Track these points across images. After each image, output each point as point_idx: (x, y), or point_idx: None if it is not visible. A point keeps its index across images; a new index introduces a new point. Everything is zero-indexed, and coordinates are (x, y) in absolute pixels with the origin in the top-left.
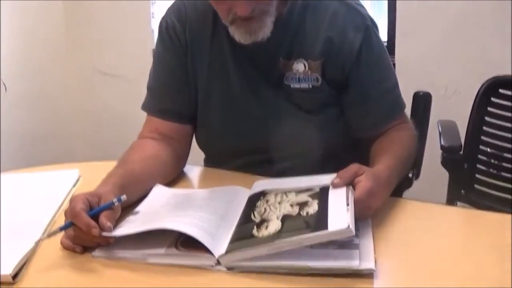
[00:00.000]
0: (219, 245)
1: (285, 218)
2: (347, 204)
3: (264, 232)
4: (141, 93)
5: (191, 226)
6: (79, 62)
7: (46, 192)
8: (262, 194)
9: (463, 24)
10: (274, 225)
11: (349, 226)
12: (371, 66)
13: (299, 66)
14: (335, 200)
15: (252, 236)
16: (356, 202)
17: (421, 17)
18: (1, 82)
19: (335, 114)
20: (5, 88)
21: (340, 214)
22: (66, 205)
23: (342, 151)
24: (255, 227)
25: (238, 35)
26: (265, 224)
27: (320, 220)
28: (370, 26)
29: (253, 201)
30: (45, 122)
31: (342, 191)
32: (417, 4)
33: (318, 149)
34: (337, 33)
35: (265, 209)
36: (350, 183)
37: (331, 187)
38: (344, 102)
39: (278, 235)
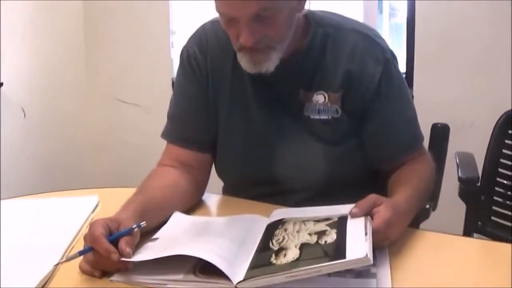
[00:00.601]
0: (237, 272)
1: (303, 247)
2: (365, 234)
3: (282, 260)
4: (160, 121)
5: (210, 253)
6: (99, 90)
7: (65, 217)
8: (280, 223)
9: (482, 57)
10: (292, 253)
11: (367, 255)
12: (390, 98)
13: (319, 98)
14: (353, 230)
15: (271, 263)
16: (374, 232)
17: (440, 50)
18: (21, 108)
19: (354, 145)
20: (24, 114)
21: (358, 244)
22: (85, 230)
23: (361, 181)
24: (273, 255)
25: (243, 63)
26: (284, 252)
27: (338, 249)
28: (389, 58)
29: (271, 229)
30: (63, 148)
31: (360, 221)
32: (436, 37)
33: (337, 180)
34: (356, 66)
35: (283, 237)
36: (369, 213)
37: (349, 216)
38: (363, 133)
39: (296, 263)
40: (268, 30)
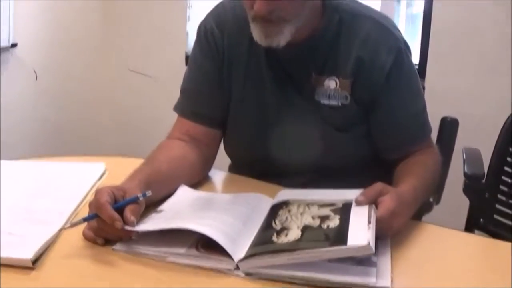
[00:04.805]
0: (239, 250)
1: (305, 229)
2: (369, 222)
3: (283, 239)
4: (171, 94)
5: (213, 229)
6: (112, 59)
7: (72, 182)
8: (284, 204)
9: (495, 54)
10: (294, 234)
11: (369, 243)
12: (400, 88)
13: (331, 83)
14: (357, 217)
15: (271, 242)
16: (378, 221)
17: (454, 43)
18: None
19: (361, 132)
20: (36, 76)
21: (361, 231)
22: (90, 197)
23: (367, 169)
24: (275, 233)
25: (255, 33)
26: (285, 231)
27: (340, 234)
28: (402, 48)
29: (275, 209)
30: (72, 114)
31: (364, 208)
32: (451, 30)
33: (343, 166)
34: (368, 54)
35: (286, 218)
36: (374, 202)
37: (354, 203)
38: (371, 122)
39: (296, 243)
40: (283, 1)
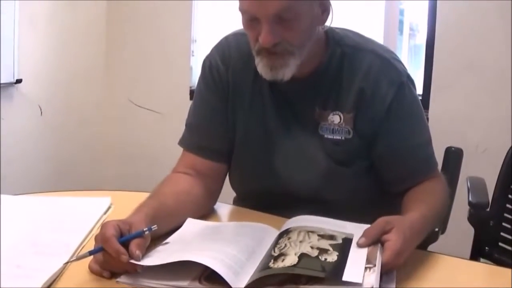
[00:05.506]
0: (241, 282)
1: (302, 256)
2: (374, 265)
3: (279, 264)
4: (175, 128)
5: (216, 261)
6: (117, 93)
7: (78, 217)
8: (285, 232)
9: (499, 82)
10: (290, 259)
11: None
12: (401, 121)
13: (335, 118)
14: (355, 255)
15: (268, 267)
16: (384, 264)
17: (457, 74)
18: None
19: (364, 166)
20: (41, 112)
21: (357, 267)
22: (96, 230)
23: (370, 202)
24: (272, 260)
25: (260, 67)
26: (282, 257)
27: (336, 269)
28: (404, 82)
29: (277, 239)
30: (77, 148)
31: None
32: (454, 61)
33: (345, 199)
34: (370, 86)
35: (285, 245)
36: (378, 240)
37: (354, 242)
38: (373, 155)
39: (292, 268)
40: (287, 33)
